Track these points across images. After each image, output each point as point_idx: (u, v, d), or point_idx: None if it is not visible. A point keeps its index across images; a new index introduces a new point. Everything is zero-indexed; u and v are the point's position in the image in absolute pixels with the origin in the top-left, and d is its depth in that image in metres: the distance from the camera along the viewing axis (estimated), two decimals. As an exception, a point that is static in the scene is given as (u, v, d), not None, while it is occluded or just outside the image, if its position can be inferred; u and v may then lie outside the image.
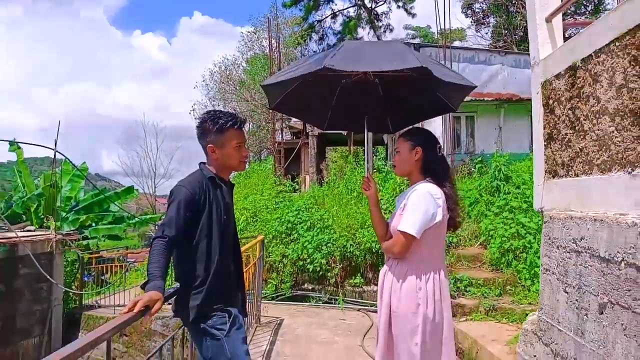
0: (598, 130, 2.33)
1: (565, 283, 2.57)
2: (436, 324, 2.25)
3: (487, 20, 22.49)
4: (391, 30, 28.96)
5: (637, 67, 2.03)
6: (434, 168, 2.46)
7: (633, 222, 1.98)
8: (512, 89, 10.47)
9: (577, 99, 2.55)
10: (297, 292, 7.27)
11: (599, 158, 2.33)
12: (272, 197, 9.32)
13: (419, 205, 2.30)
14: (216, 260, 2.19)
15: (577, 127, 2.55)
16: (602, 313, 2.19)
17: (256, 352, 4.36)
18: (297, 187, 10.89)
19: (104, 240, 16.46)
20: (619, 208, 2.12)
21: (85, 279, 10.22)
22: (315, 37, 30.48)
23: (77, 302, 9.52)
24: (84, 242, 13.75)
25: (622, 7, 2.15)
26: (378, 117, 3.07)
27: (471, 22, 23.60)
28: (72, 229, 13.08)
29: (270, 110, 19.49)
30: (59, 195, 11.42)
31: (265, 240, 6.82)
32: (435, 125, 10.62)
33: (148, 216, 18.67)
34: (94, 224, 15.70)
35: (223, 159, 2.31)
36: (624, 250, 2.03)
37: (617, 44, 2.16)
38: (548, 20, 3.01)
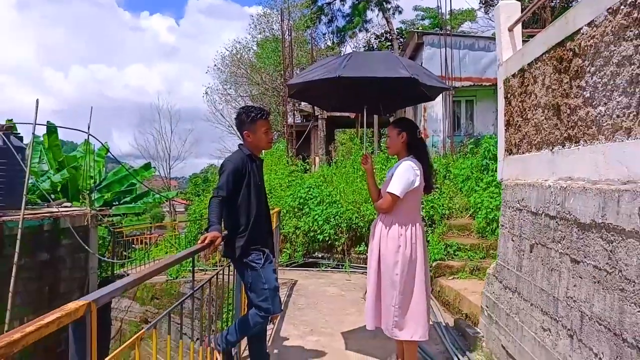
0: (535, 119, 3.14)
1: (512, 234, 3.41)
2: (412, 260, 3.11)
3: (496, 1, 22.77)
4: (400, 12, 29.23)
5: (557, 73, 2.83)
6: (415, 148, 3.30)
7: (549, 185, 2.80)
8: (510, 74, 11.07)
9: (524, 95, 3.34)
10: (308, 260, 8.17)
11: (535, 140, 3.14)
12: (285, 176, 10.19)
13: (403, 174, 3.15)
14: (254, 213, 3.06)
15: (524, 116, 3.36)
16: (531, 251, 3.03)
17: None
18: (307, 167, 11.73)
19: (127, 217, 17.51)
20: (543, 176, 2.94)
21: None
22: (324, 19, 30.89)
23: (110, 272, 10.55)
24: (111, 219, 14.75)
25: (548, 29, 2.94)
26: (373, 103, 3.91)
27: (480, 3, 23.84)
28: (98, 206, 14.10)
29: (282, 95, 20.34)
30: (85, 174, 12.34)
31: (280, 214, 7.70)
32: (437, 109, 11.36)
33: (166, 192, 19.64)
34: (117, 202, 16.74)
35: (255, 141, 3.17)
36: (544, 205, 2.86)
37: (546, 55, 2.96)
38: (510, 29, 3.78)
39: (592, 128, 2.40)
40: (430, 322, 4.30)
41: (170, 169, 32.69)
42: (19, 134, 9.93)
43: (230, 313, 3.73)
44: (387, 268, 3.12)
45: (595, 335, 2.21)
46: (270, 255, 3.15)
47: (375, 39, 29.56)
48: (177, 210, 30.50)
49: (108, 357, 1.52)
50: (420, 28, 26.15)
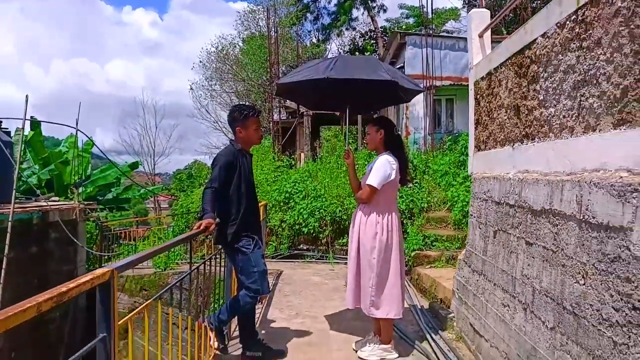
0: (499, 118, 3.48)
1: (479, 222, 3.75)
2: (388, 246, 3.43)
3: (478, 1, 23.20)
4: (385, 11, 29.52)
5: (517, 77, 3.16)
6: (392, 144, 3.62)
7: (509, 177, 3.14)
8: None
9: (491, 96, 3.68)
10: (293, 252, 8.47)
11: (499, 137, 3.48)
12: (272, 172, 10.46)
13: (380, 168, 3.46)
14: (244, 203, 3.34)
15: (490, 116, 3.69)
16: (494, 237, 3.37)
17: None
18: (293, 162, 12.01)
19: (112, 212, 17.59)
20: (505, 169, 3.28)
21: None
22: (310, 17, 31.08)
23: (98, 265, 10.70)
24: (97, 214, 14.83)
25: (511, 37, 3.27)
26: (355, 104, 4.22)
27: (464, 2, 24.25)
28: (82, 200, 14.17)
29: (267, 91, 20.57)
30: (72, 169, 12.43)
31: (267, 208, 7.98)
32: (419, 108, 11.74)
33: (152, 187, 19.71)
34: (101, 197, 16.80)
35: (247, 137, 3.45)
36: (505, 196, 3.20)
37: (508, 61, 3.29)
38: (480, 35, 4.11)
39: (544, 127, 2.74)
40: (407, 306, 4.65)
41: (154, 164, 32.61)
42: (7, 129, 10.00)
43: (220, 294, 4.01)
44: (365, 252, 3.44)
45: (543, 307, 2.55)
46: (259, 241, 3.44)
47: (360, 37, 29.86)
48: (161, 206, 30.48)
49: (126, 318, 1.79)
50: (404, 26, 26.51)
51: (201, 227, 2.96)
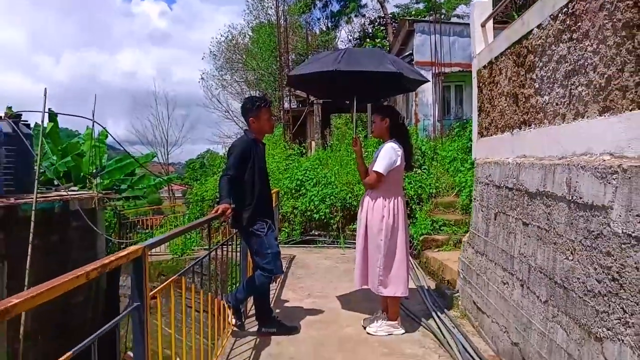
0: (500, 106, 3.63)
1: (482, 205, 3.93)
2: (395, 228, 3.62)
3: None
4: (394, -4, 29.44)
5: (516, 66, 3.31)
6: (397, 131, 3.80)
7: (509, 162, 3.31)
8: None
9: (492, 84, 3.83)
10: (305, 238, 8.71)
11: (500, 124, 3.64)
12: (283, 160, 10.68)
13: (386, 155, 3.65)
14: (257, 189, 3.56)
15: (492, 103, 3.85)
16: (495, 219, 3.55)
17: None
18: (304, 151, 12.21)
19: (128, 201, 18.01)
20: (505, 155, 3.45)
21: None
22: (319, 4, 31.01)
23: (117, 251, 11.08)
24: (114, 203, 15.24)
25: (510, 28, 3.41)
26: (362, 93, 4.39)
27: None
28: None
29: (277, 80, 20.75)
30: (89, 159, 12.77)
31: (279, 195, 8.20)
32: (428, 95, 11.82)
33: (167, 176, 20.11)
34: (116, 187, 17.23)
35: (259, 127, 3.66)
36: (504, 179, 3.37)
37: (508, 51, 3.43)
38: (482, 25, 4.24)
39: (540, 114, 2.90)
40: (414, 287, 4.86)
41: (168, 154, 33.06)
42: (27, 121, 10.33)
43: (236, 278, 4.26)
44: (372, 235, 3.64)
45: (537, 282, 2.74)
46: (272, 225, 3.66)
47: (369, 24, 29.75)
48: (175, 195, 30.97)
49: (155, 290, 2.02)
50: (414, 12, 26.31)
51: (218, 212, 3.19)
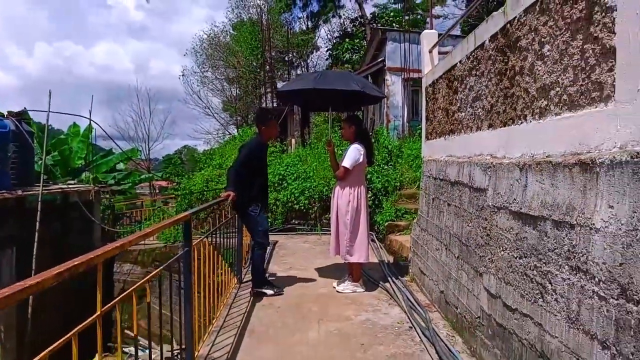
0: (438, 117, 4.76)
1: (426, 193, 5.07)
2: (358, 210, 4.73)
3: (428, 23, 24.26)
4: (371, -3, 30.54)
5: (447, 88, 4.43)
6: (361, 136, 4.90)
7: (441, 160, 4.44)
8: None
9: (434, 99, 4.96)
10: (287, 226, 9.76)
11: (438, 130, 4.77)
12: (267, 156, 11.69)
13: (351, 154, 4.74)
14: (258, 181, 4.61)
15: (434, 114, 4.98)
16: (432, 203, 4.69)
17: (263, 252, 6.85)
18: (285, 148, 13.24)
19: (115, 196, 18.74)
20: (440, 154, 4.58)
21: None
22: (299, 3, 31.94)
23: (110, 240, 11.95)
24: (107, 196, 16.00)
25: (445, 59, 4.54)
26: (335, 105, 5.49)
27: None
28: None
29: (257, 77, 21.68)
30: (87, 155, 13.56)
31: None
32: (398, 98, 12.99)
33: (160, 173, 20.83)
34: (104, 182, 17.94)
35: (268, 133, 4.74)
36: (438, 173, 4.50)
37: (443, 75, 4.56)
38: (430, 51, 5.37)
39: (460, 125, 4.03)
40: (377, 261, 5.97)
41: (149, 150, 33.56)
42: (29, 120, 11.09)
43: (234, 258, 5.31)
44: (341, 215, 4.75)
45: (453, 244, 3.88)
46: (264, 208, 4.73)
47: (350, 22, 30.76)
48: (156, 191, 31.53)
49: (197, 240, 3.07)
50: (392, 12, 27.40)
51: (228, 197, 4.24)
